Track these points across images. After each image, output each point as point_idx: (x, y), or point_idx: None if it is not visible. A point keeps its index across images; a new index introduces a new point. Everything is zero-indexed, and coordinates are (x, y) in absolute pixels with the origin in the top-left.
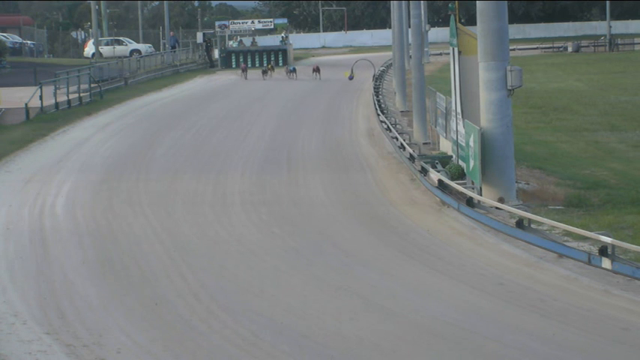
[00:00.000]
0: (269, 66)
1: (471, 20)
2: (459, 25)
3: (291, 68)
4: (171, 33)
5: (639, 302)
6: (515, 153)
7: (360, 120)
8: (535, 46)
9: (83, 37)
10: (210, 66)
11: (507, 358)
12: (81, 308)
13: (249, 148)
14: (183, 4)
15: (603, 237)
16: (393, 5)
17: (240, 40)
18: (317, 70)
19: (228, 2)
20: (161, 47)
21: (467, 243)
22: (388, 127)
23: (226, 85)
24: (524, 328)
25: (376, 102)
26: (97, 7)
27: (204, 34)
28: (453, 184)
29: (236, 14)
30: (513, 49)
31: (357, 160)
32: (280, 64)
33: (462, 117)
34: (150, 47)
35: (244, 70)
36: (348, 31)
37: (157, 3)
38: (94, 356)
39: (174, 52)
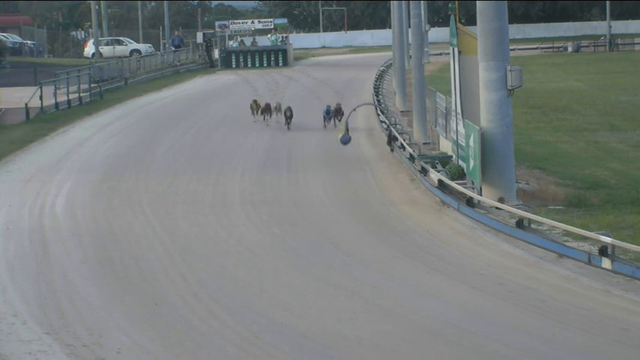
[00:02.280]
0: (254, 102)
1: (471, 20)
2: (459, 25)
3: (325, 110)
4: (176, 32)
5: (639, 302)
6: (515, 153)
7: (360, 120)
8: (535, 46)
9: (83, 36)
10: (210, 66)
11: (507, 358)
12: (81, 308)
13: (250, 148)
14: (180, 3)
15: (603, 237)
16: (393, 5)
17: (242, 40)
18: (338, 110)
19: (227, 2)
20: (161, 47)
21: (467, 243)
22: (388, 127)
23: (226, 85)
24: (524, 328)
25: (376, 102)
26: (97, 7)
27: (204, 34)
28: (453, 184)
29: (236, 14)
30: (513, 49)
31: (357, 160)
32: (280, 64)
33: (462, 117)
34: (150, 47)
35: (266, 112)
36: (348, 31)
37: (155, 3)
38: (94, 356)
39: (179, 51)
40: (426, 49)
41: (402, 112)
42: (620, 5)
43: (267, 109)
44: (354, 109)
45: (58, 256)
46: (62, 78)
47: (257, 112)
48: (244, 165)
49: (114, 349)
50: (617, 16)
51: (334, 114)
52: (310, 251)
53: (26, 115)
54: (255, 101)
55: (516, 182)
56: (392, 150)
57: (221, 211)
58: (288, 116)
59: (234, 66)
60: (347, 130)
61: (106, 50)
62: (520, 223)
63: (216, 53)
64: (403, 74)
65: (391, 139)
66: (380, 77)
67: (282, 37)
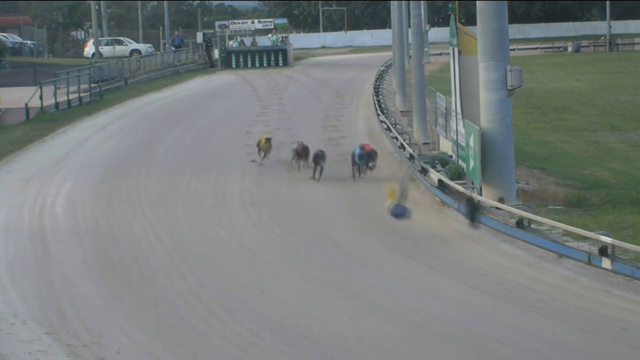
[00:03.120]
0: (262, 141)
1: (471, 20)
2: (459, 25)
3: (357, 154)
4: (176, 32)
5: (639, 302)
6: (515, 153)
7: (360, 120)
8: (535, 46)
9: (83, 36)
10: (210, 66)
11: (507, 358)
12: (81, 308)
13: (250, 148)
14: (179, 3)
15: (603, 237)
16: (393, 5)
17: (242, 40)
18: (371, 154)
19: (227, 2)
20: (161, 47)
21: (467, 243)
22: (388, 127)
23: (226, 85)
24: (524, 328)
25: (376, 102)
26: (97, 7)
27: (204, 34)
28: (453, 184)
29: (236, 14)
30: (513, 49)
31: None
32: (280, 64)
33: (462, 117)
34: (150, 47)
35: (302, 158)
36: (348, 31)
37: (155, 3)
38: (94, 356)
39: (179, 51)
40: (426, 49)
41: (402, 112)
42: (620, 5)
43: (302, 154)
44: (405, 178)
45: (58, 256)
46: (62, 78)
47: (266, 154)
48: (244, 165)
49: (114, 349)
50: (617, 16)
51: (367, 159)
52: (310, 251)
53: (26, 115)
54: (267, 139)
55: (516, 182)
56: (473, 221)
57: (221, 211)
58: (319, 162)
59: (234, 66)
60: (403, 196)
61: (106, 50)
62: (520, 223)
63: (216, 53)
64: (403, 74)
65: (475, 211)
66: (380, 77)
67: (282, 37)
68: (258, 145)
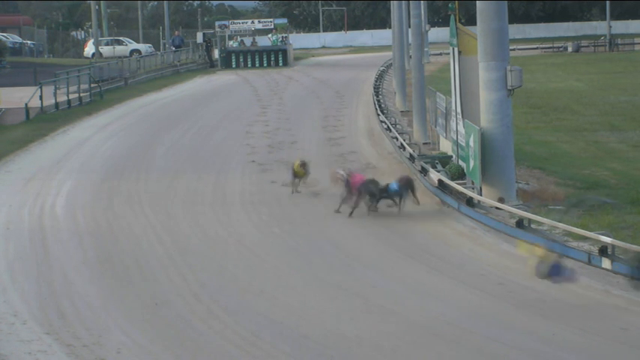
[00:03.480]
0: (296, 166)
1: (471, 20)
2: (459, 25)
3: (395, 187)
4: (177, 32)
5: (639, 302)
6: (515, 153)
7: (360, 120)
8: (535, 46)
9: (83, 36)
10: (210, 66)
11: (507, 358)
12: (81, 308)
13: (250, 148)
14: (179, 2)
15: (603, 237)
16: (393, 5)
17: (242, 40)
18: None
19: (227, 2)
20: (161, 47)
21: (467, 243)
22: (388, 127)
23: (226, 85)
24: (524, 328)
25: (376, 102)
26: (97, 7)
27: (204, 34)
28: (453, 184)
29: (236, 14)
30: (513, 49)
31: (357, 160)
32: (280, 64)
33: (462, 117)
34: (150, 47)
35: (358, 194)
36: (348, 31)
37: (155, 3)
38: (94, 356)
39: (179, 51)
40: (426, 49)
41: (402, 112)
42: (620, 5)
43: (355, 188)
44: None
45: (58, 257)
46: (62, 78)
47: (302, 180)
48: (244, 165)
49: (114, 349)
50: (617, 16)
51: (405, 189)
52: (310, 251)
53: (26, 115)
54: (302, 163)
55: (516, 182)
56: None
57: (221, 211)
58: (377, 199)
59: (234, 66)
60: (558, 253)
61: (106, 50)
62: (520, 223)
63: (216, 53)
64: (403, 74)
65: None
66: (380, 77)
67: (282, 37)
68: (293, 171)
